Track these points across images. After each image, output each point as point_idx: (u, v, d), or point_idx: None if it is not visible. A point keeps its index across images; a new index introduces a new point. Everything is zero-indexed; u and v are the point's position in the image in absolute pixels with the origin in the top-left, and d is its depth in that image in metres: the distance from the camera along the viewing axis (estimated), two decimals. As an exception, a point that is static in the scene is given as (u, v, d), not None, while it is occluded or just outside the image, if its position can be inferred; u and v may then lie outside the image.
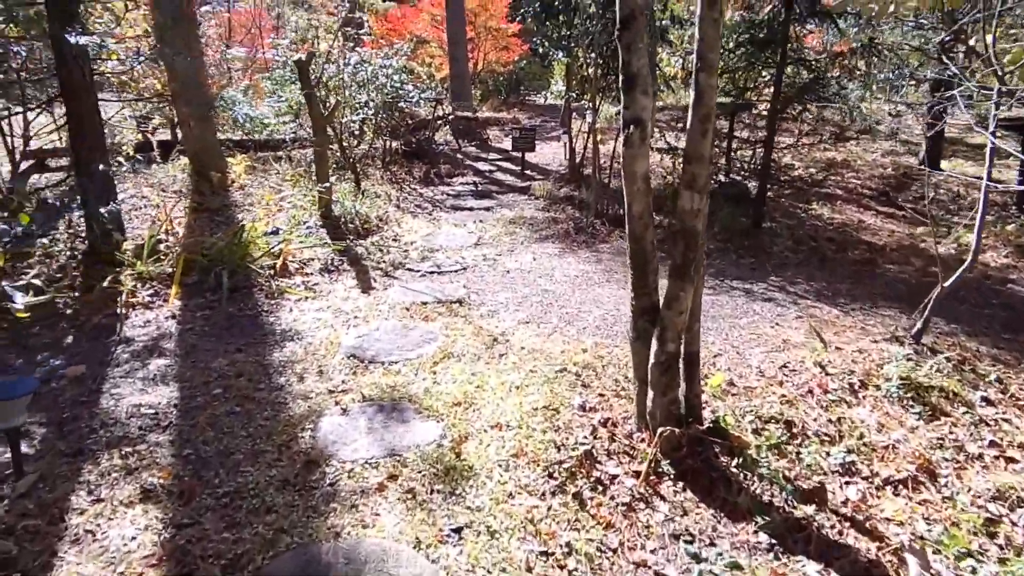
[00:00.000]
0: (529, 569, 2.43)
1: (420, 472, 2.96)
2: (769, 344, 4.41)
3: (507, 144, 11.40)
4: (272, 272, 5.47)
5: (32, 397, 2.88)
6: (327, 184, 6.85)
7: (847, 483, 3.04)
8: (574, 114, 10.22)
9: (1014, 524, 2.81)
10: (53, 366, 3.89)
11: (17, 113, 5.56)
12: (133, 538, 2.53)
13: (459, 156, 11.24)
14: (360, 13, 11.78)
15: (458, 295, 5.26)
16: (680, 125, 10.32)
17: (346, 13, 9.89)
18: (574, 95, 9.92)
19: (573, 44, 9.16)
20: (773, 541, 2.64)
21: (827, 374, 3.93)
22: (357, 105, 8.73)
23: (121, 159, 6.56)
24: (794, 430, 3.38)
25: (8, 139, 6.01)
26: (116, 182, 6.84)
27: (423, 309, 4.95)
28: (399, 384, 3.77)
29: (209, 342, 4.37)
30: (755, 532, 2.68)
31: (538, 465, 3.00)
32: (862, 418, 3.52)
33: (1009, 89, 4.18)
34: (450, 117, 12.21)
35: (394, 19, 15.07)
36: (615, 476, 2.99)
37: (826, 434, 3.38)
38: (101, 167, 5.06)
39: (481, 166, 10.83)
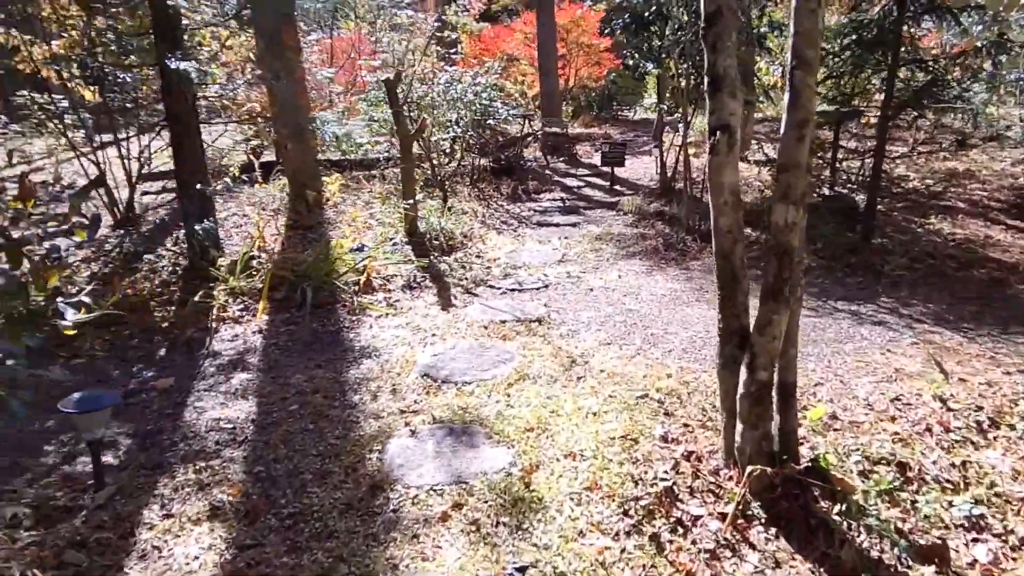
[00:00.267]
0: (598, 624, 2.19)
1: (486, 502, 2.80)
2: (879, 373, 3.90)
3: (597, 159, 11.18)
4: (356, 288, 5.53)
5: (117, 409, 2.97)
6: (412, 201, 6.91)
7: (974, 540, 2.58)
8: (667, 127, 9.86)
9: None
10: (145, 378, 4.08)
11: (131, 137, 5.99)
12: (196, 557, 2.52)
13: (547, 172, 11.13)
14: (451, 32, 11.99)
15: (538, 314, 5.08)
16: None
17: (434, 31, 10.08)
18: (666, 107, 9.57)
19: (664, 55, 8.85)
20: (887, 610, 2.24)
21: (949, 409, 3.40)
22: (447, 123, 8.82)
23: (228, 180, 6.94)
24: (909, 474, 2.91)
25: (126, 161, 6.52)
26: (221, 201, 7.27)
27: (501, 328, 4.81)
28: (471, 406, 3.64)
29: (291, 357, 4.44)
30: (864, 596, 2.29)
31: (613, 500, 2.76)
32: (993, 463, 3.00)
33: None
34: (539, 133, 12.14)
35: (487, 39, 15.25)
36: (698, 517, 2.69)
37: (948, 480, 2.89)
38: (199, 187, 5.33)
39: (569, 182, 10.66)
